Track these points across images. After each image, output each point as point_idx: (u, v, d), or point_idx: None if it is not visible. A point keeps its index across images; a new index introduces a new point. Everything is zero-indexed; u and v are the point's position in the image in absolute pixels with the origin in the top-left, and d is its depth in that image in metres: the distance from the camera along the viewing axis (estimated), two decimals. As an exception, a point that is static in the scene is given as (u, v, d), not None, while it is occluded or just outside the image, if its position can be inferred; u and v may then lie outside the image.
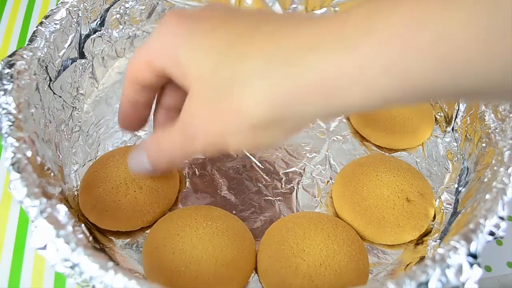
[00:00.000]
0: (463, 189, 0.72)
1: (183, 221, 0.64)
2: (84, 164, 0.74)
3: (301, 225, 0.65)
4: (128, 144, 0.76)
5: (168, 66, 0.54)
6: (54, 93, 0.71)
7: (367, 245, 0.69)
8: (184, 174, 0.75)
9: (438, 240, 0.68)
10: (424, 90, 0.42)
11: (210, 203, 0.72)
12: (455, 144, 0.79)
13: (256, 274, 0.65)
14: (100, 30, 0.82)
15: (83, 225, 0.56)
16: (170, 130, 0.57)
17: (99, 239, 0.66)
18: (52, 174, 0.62)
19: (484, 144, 0.69)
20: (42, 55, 0.68)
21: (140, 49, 0.57)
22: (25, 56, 0.65)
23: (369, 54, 0.41)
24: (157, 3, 0.89)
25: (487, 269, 0.70)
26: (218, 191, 0.73)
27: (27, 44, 0.67)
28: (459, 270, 0.48)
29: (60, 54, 0.73)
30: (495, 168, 0.62)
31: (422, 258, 0.67)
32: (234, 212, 0.71)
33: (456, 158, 0.78)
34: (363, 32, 0.41)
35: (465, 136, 0.76)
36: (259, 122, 0.47)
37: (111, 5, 0.83)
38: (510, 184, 0.57)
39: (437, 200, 0.74)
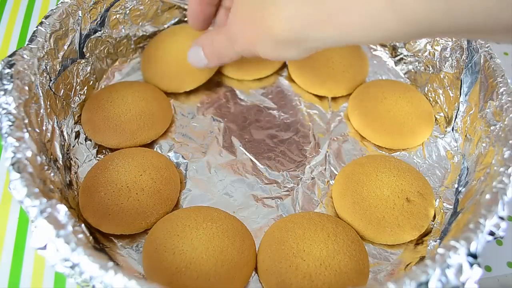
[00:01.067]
0: (463, 189, 0.71)
1: (183, 222, 0.64)
2: (84, 164, 0.74)
3: (301, 225, 0.65)
4: (122, 147, 0.76)
5: None
6: (54, 93, 0.71)
7: (367, 245, 0.69)
8: (184, 174, 0.75)
9: (438, 240, 0.68)
10: (422, 23, 0.44)
11: (210, 203, 0.72)
12: (455, 144, 0.79)
13: (256, 274, 0.65)
14: (100, 30, 0.82)
15: (83, 225, 0.56)
16: (220, 30, 0.67)
17: (99, 239, 0.66)
18: (52, 174, 0.62)
19: (484, 144, 0.69)
20: (42, 55, 0.68)
21: None
22: (25, 56, 0.65)
23: None
24: (157, 3, 0.89)
25: (487, 269, 0.70)
26: (218, 191, 0.73)
27: (27, 44, 0.67)
28: (459, 270, 0.48)
29: (60, 54, 0.73)
30: (495, 168, 0.62)
31: (422, 258, 0.68)
32: (234, 212, 0.71)
33: (456, 158, 0.78)
34: None
35: (465, 136, 0.76)
36: (281, 40, 0.54)
37: (111, 5, 0.82)
38: (510, 184, 0.57)
39: (437, 200, 0.73)
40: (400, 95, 0.81)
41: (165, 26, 0.93)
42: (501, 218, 0.54)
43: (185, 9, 0.92)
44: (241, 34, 0.60)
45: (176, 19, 0.93)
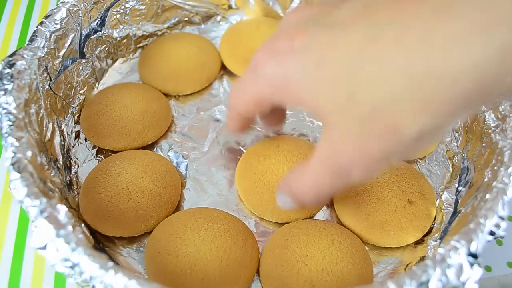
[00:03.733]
0: (463, 188, 0.71)
1: (184, 224, 0.64)
2: (84, 164, 0.74)
3: (306, 231, 0.65)
4: (129, 148, 0.76)
5: (288, 101, 0.55)
6: (54, 93, 0.71)
7: (367, 245, 0.69)
8: (184, 174, 0.75)
9: (438, 240, 0.68)
10: None
11: (211, 203, 0.72)
12: (455, 144, 0.79)
13: (257, 278, 0.65)
14: (100, 30, 0.82)
15: (83, 225, 0.55)
16: (308, 173, 0.54)
17: (99, 238, 0.66)
18: (52, 174, 0.62)
19: (484, 144, 0.69)
20: (42, 55, 0.67)
21: (242, 89, 0.57)
22: (25, 56, 0.65)
23: None
24: (157, 3, 0.89)
25: (487, 269, 0.70)
26: (218, 191, 0.73)
27: (27, 44, 0.67)
28: (460, 270, 0.48)
29: (60, 54, 0.73)
30: (495, 167, 0.62)
31: (422, 258, 0.68)
32: (234, 212, 0.71)
33: (456, 158, 0.77)
34: None
35: (465, 136, 0.76)
36: (421, 133, 0.44)
37: (112, 5, 0.82)
38: (510, 184, 0.57)
39: (438, 199, 0.73)
40: None
41: (165, 26, 0.93)
42: (501, 218, 0.53)
43: (185, 9, 0.92)
44: (361, 158, 0.48)
45: (176, 19, 0.93)
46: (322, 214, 0.72)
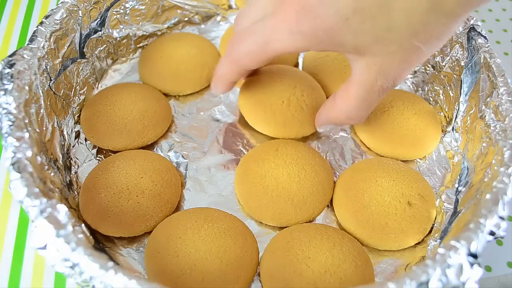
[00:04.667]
0: (463, 188, 0.71)
1: (184, 224, 0.65)
2: (84, 164, 0.74)
3: (307, 233, 0.65)
4: (129, 148, 0.76)
5: (327, 48, 0.57)
6: (54, 93, 0.71)
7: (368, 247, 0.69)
8: (184, 174, 0.75)
9: (438, 240, 0.68)
10: None
11: (211, 203, 0.72)
12: (455, 144, 0.79)
13: (258, 280, 0.65)
14: (100, 30, 0.82)
15: (83, 225, 0.55)
16: (352, 96, 0.62)
17: (99, 238, 0.66)
18: (52, 174, 0.62)
19: (484, 144, 0.69)
20: (42, 55, 0.67)
21: (261, 43, 0.59)
22: (25, 56, 0.65)
23: None
24: (157, 3, 0.89)
25: (487, 269, 0.70)
26: (218, 191, 0.73)
27: (28, 44, 0.67)
28: (460, 270, 0.48)
29: (60, 54, 0.73)
30: (495, 168, 0.62)
31: (422, 258, 0.68)
32: (234, 212, 0.70)
33: (456, 158, 0.78)
34: None
35: (465, 136, 0.76)
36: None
37: (112, 5, 0.82)
38: (510, 184, 0.57)
39: (438, 200, 0.73)
40: (407, 106, 0.80)
41: (165, 26, 0.93)
42: (502, 218, 0.54)
43: (185, 9, 0.92)
44: (406, 70, 0.58)
45: (176, 19, 0.93)
46: (322, 218, 0.72)
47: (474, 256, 0.49)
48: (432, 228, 0.70)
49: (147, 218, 0.66)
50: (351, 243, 0.65)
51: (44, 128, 0.66)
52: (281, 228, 0.70)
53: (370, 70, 0.57)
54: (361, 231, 0.68)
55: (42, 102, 0.66)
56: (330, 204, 0.73)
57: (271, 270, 0.62)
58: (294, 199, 0.69)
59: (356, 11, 0.51)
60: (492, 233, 0.53)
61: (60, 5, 0.73)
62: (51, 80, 0.70)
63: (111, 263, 0.48)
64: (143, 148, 0.77)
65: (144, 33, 0.91)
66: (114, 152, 0.75)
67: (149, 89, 0.82)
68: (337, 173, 0.77)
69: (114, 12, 0.84)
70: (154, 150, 0.78)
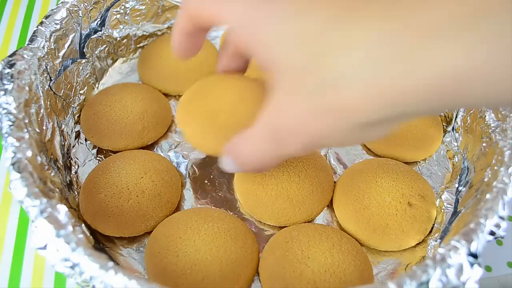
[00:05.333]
0: (464, 188, 0.71)
1: (184, 224, 0.65)
2: (84, 164, 0.75)
3: (306, 233, 0.65)
4: (129, 148, 0.76)
5: (246, 44, 0.48)
6: (54, 93, 0.71)
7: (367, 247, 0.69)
8: (185, 174, 0.75)
9: (438, 240, 0.68)
10: None
11: (211, 203, 0.72)
12: (456, 143, 0.79)
13: (258, 280, 0.65)
14: (100, 30, 0.82)
15: (83, 225, 0.55)
16: (252, 135, 0.52)
17: (100, 238, 0.67)
18: (52, 174, 0.62)
19: (484, 144, 0.69)
20: (42, 55, 0.68)
21: (206, 1, 0.51)
22: (25, 56, 0.65)
23: (503, 53, 0.35)
24: (157, 3, 0.89)
25: (487, 269, 0.70)
26: (219, 191, 0.74)
27: (28, 44, 0.67)
28: (460, 270, 0.48)
29: (61, 54, 0.73)
30: (495, 167, 0.62)
31: (422, 258, 0.68)
32: (234, 212, 0.71)
33: (456, 158, 0.78)
34: (499, 26, 0.35)
35: (466, 135, 0.76)
36: (369, 121, 0.43)
37: (112, 5, 0.83)
38: (510, 184, 0.57)
39: (438, 200, 0.73)
40: None
41: (165, 26, 0.93)
42: (502, 218, 0.54)
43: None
44: (301, 131, 0.46)
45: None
46: (321, 219, 0.72)
47: (474, 256, 0.49)
48: (432, 228, 0.70)
49: (147, 218, 0.66)
50: (349, 243, 0.65)
51: (44, 128, 0.66)
52: (281, 227, 0.70)
53: (273, 108, 0.48)
54: (361, 232, 0.68)
55: (42, 102, 0.67)
56: (330, 205, 0.73)
57: (271, 269, 0.62)
58: (293, 199, 0.69)
59: (295, 16, 0.43)
60: (492, 233, 0.52)
61: (60, 5, 0.74)
62: (51, 80, 0.70)
63: (111, 263, 0.48)
64: (143, 148, 0.77)
65: (144, 33, 0.91)
66: (114, 152, 0.76)
67: (149, 89, 0.82)
68: (337, 174, 0.77)
69: (114, 12, 0.84)
70: (154, 150, 0.78)
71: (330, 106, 0.42)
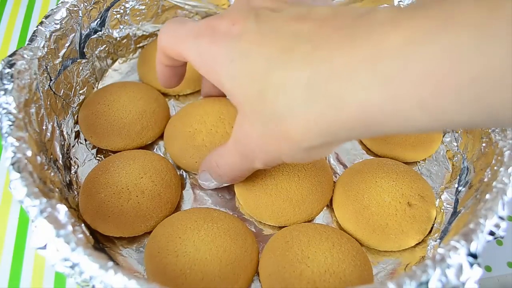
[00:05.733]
0: (463, 188, 0.71)
1: (184, 224, 0.65)
2: (84, 164, 0.75)
3: (306, 233, 0.65)
4: (128, 148, 0.76)
5: (210, 79, 0.56)
6: (54, 93, 0.71)
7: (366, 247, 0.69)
8: (184, 174, 0.75)
9: (438, 240, 0.68)
10: (457, 125, 0.42)
11: (210, 203, 0.72)
12: (455, 144, 0.79)
13: (257, 280, 0.65)
14: (100, 30, 0.82)
15: (83, 224, 0.55)
16: (225, 151, 0.62)
17: (99, 238, 0.67)
18: (52, 173, 0.62)
19: (484, 144, 0.69)
20: (42, 55, 0.68)
21: (177, 35, 0.60)
22: (25, 55, 0.65)
23: (404, 88, 0.40)
24: (157, 3, 0.89)
25: (487, 269, 0.70)
26: (218, 192, 0.74)
27: (28, 44, 0.67)
28: (459, 270, 0.48)
29: (61, 54, 0.73)
30: (495, 168, 0.62)
31: (422, 258, 0.68)
32: (234, 212, 0.71)
33: (456, 158, 0.77)
34: (400, 65, 0.40)
35: (465, 136, 0.76)
36: (310, 147, 0.50)
37: (112, 5, 0.83)
38: (510, 184, 0.57)
39: (437, 200, 0.73)
40: None
41: (165, 25, 0.93)
42: (501, 218, 0.53)
43: (185, 9, 0.93)
44: (260, 149, 0.55)
45: (176, 19, 0.93)
46: (321, 218, 0.72)
47: (474, 256, 0.49)
48: (432, 228, 0.70)
49: (147, 218, 0.66)
50: (349, 243, 0.65)
51: (44, 128, 0.66)
52: (280, 227, 0.69)
53: (239, 129, 0.58)
54: (361, 232, 0.68)
55: (42, 102, 0.67)
56: (330, 205, 0.73)
57: (271, 269, 0.62)
58: (293, 199, 0.69)
59: (242, 57, 0.51)
60: (492, 233, 0.52)
61: (60, 5, 0.74)
62: (51, 80, 0.70)
63: (110, 263, 0.48)
64: (142, 148, 0.77)
65: (144, 33, 0.91)
66: (114, 152, 0.76)
67: (147, 88, 0.82)
68: (337, 174, 0.77)
69: (114, 12, 0.84)
70: (154, 150, 0.78)
71: (279, 134, 0.50)
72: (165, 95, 0.84)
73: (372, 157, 0.79)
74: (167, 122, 0.79)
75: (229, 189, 0.74)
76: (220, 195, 0.73)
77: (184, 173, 0.75)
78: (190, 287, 0.59)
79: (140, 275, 0.64)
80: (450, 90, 0.38)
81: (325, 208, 0.73)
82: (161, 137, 0.79)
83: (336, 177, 0.76)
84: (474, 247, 0.50)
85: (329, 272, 0.61)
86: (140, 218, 0.66)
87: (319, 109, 0.46)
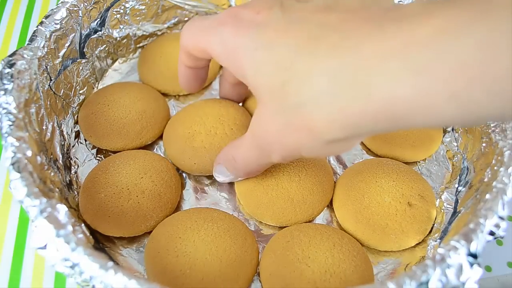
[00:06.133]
0: (463, 188, 0.71)
1: (184, 224, 0.65)
2: (84, 164, 0.75)
3: (307, 233, 0.65)
4: (128, 148, 0.76)
5: (232, 70, 0.55)
6: (54, 93, 0.72)
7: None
8: (184, 174, 0.75)
9: (438, 240, 0.68)
10: (485, 118, 0.42)
11: (210, 203, 0.73)
12: (455, 144, 0.79)
13: (258, 280, 0.65)
14: (100, 30, 0.83)
15: (83, 224, 0.56)
16: (242, 144, 0.60)
17: (99, 238, 0.67)
18: (52, 173, 0.63)
19: (484, 144, 0.69)
20: (42, 55, 0.68)
21: (199, 30, 0.59)
22: (25, 55, 0.65)
23: (436, 80, 0.40)
24: (157, 3, 0.90)
25: (487, 269, 0.70)
26: (219, 192, 0.74)
27: (28, 44, 0.68)
28: (459, 270, 0.48)
29: (61, 54, 0.73)
30: (495, 168, 0.62)
31: (422, 258, 0.68)
32: (234, 212, 0.71)
33: (456, 158, 0.77)
34: (431, 56, 0.40)
35: (465, 136, 0.76)
36: (333, 139, 0.49)
37: (112, 5, 0.83)
38: (510, 184, 0.57)
39: (437, 200, 0.73)
40: None
41: (165, 25, 0.93)
42: (501, 218, 0.53)
43: (185, 9, 0.93)
44: (278, 141, 0.54)
45: (176, 19, 0.94)
46: (321, 218, 0.72)
47: (474, 256, 0.49)
48: (432, 228, 0.70)
49: (147, 218, 0.67)
50: (350, 243, 0.65)
51: (44, 128, 0.67)
52: (281, 227, 0.69)
53: (258, 122, 0.57)
54: (361, 232, 0.68)
55: (42, 102, 0.67)
56: (330, 205, 0.73)
57: (271, 269, 0.62)
58: (294, 199, 0.69)
59: (267, 47, 0.50)
60: (492, 233, 0.52)
61: (60, 5, 0.74)
62: (51, 80, 0.71)
63: (111, 263, 0.48)
64: (142, 148, 0.77)
65: (144, 33, 0.91)
66: (114, 152, 0.76)
67: (147, 88, 0.83)
68: (337, 174, 0.77)
69: (114, 12, 0.84)
70: (154, 150, 0.79)
71: (301, 125, 0.49)
72: (165, 95, 0.85)
73: (372, 157, 0.79)
74: (167, 122, 0.80)
75: (230, 188, 0.74)
76: (220, 194, 0.74)
77: (184, 173, 0.75)
78: (190, 287, 0.59)
79: (140, 275, 0.64)
80: (484, 83, 0.38)
81: (325, 208, 0.73)
82: (161, 137, 0.79)
83: (336, 177, 0.76)
84: (474, 247, 0.50)
85: (330, 272, 0.61)
86: (140, 218, 0.66)
87: (345, 100, 0.45)
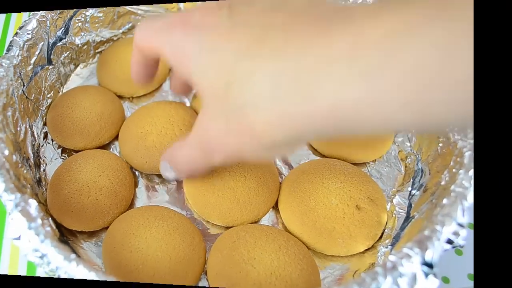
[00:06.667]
0: (417, 192, 0.72)
1: (137, 221, 0.69)
2: (51, 162, 0.82)
3: (253, 234, 0.67)
4: (88, 148, 0.82)
5: (180, 71, 0.57)
6: (26, 97, 0.79)
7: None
8: (137, 173, 0.81)
9: (389, 247, 0.69)
10: (444, 125, 0.42)
11: (161, 201, 0.78)
12: (408, 144, 0.79)
13: (205, 278, 0.68)
14: (64, 38, 0.89)
15: (50, 218, 0.62)
16: (185, 144, 0.61)
17: (64, 232, 0.73)
18: (25, 171, 0.70)
19: (441, 144, 0.69)
20: (17, 63, 0.76)
21: (151, 30, 0.60)
22: (3, 64, 0.73)
23: (389, 84, 0.39)
24: (113, 10, 0.96)
25: (445, 280, 0.69)
26: (169, 190, 0.79)
27: (5, 53, 0.75)
28: (413, 280, 0.49)
29: (32, 61, 0.81)
30: (453, 170, 0.62)
31: (372, 265, 0.68)
32: (183, 211, 0.76)
33: (409, 159, 0.78)
34: (383, 59, 0.39)
35: (420, 135, 0.76)
36: (272, 143, 0.50)
37: (74, 14, 0.89)
38: (471, 188, 0.57)
39: (389, 203, 0.74)
40: None
41: (120, 31, 0.99)
42: (461, 225, 0.54)
43: (138, 14, 0.98)
44: (221, 143, 0.54)
45: (130, 24, 0.99)
46: (267, 220, 0.74)
47: (429, 265, 0.50)
48: (382, 233, 0.70)
49: (104, 214, 0.72)
50: (296, 246, 0.66)
51: (19, 129, 0.75)
52: (228, 227, 0.72)
53: (200, 123, 0.58)
54: (307, 235, 0.69)
55: (17, 106, 0.75)
56: (276, 206, 0.75)
57: (217, 269, 0.65)
58: (240, 199, 0.71)
59: (211, 50, 0.51)
60: (450, 241, 0.53)
61: (32, 16, 0.81)
62: (24, 85, 0.77)
63: (73, 255, 0.54)
64: (100, 147, 0.83)
65: (102, 39, 0.97)
66: (76, 151, 0.81)
67: (105, 91, 0.88)
68: (283, 174, 0.79)
69: (76, 21, 0.90)
70: (111, 150, 0.85)
71: (242, 128, 0.50)
72: (120, 97, 0.90)
73: (319, 158, 0.80)
74: (123, 123, 0.85)
75: (179, 187, 0.79)
76: (170, 193, 0.79)
77: (137, 172, 0.81)
78: (143, 282, 0.63)
79: (98, 267, 0.69)
80: (442, 87, 0.37)
81: (271, 209, 0.75)
82: (117, 137, 0.84)
83: (282, 177, 0.78)
84: (430, 255, 0.51)
85: (275, 275, 0.62)
86: (99, 214, 0.72)
87: (286, 103, 0.45)
